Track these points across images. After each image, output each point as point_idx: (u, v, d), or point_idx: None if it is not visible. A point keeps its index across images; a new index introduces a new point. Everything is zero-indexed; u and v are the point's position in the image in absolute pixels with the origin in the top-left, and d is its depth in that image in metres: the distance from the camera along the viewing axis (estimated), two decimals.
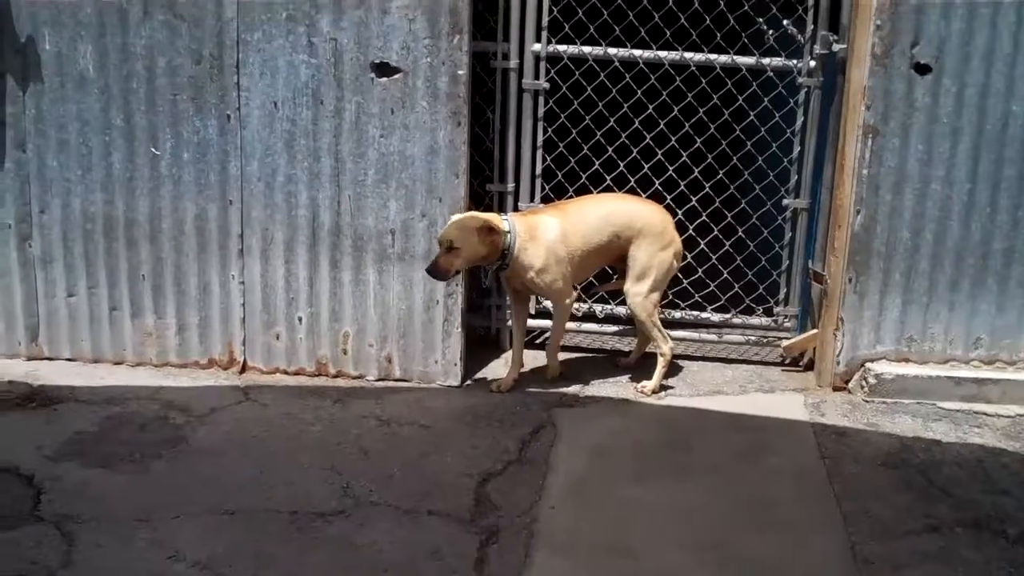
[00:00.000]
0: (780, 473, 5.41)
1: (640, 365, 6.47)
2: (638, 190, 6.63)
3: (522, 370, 6.25)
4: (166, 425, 5.57)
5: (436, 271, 5.66)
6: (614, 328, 6.70)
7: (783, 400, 6.24)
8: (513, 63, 6.23)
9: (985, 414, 6.15)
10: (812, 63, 6.27)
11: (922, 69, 5.86)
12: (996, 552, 4.81)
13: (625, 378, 6.37)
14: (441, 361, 6.12)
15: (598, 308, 6.68)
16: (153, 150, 5.88)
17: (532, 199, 6.43)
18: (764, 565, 4.61)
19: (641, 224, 6.00)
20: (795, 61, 6.32)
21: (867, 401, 6.22)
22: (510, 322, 6.48)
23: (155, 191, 5.94)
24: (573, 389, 6.18)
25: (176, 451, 5.31)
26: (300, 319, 6.09)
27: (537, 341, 6.74)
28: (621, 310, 6.58)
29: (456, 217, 5.71)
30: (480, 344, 6.57)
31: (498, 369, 6.38)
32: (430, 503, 4.91)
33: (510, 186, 6.41)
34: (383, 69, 5.72)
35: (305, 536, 4.61)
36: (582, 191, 6.60)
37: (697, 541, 4.75)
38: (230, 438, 5.46)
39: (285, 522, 4.70)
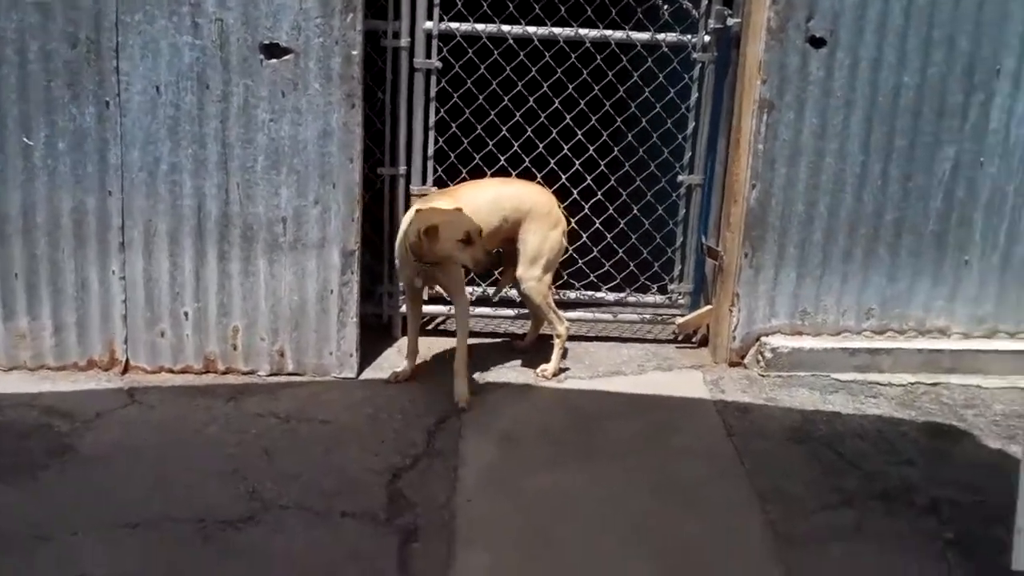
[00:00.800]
0: (690, 453, 5.38)
1: (537, 348, 6.38)
2: (533, 170, 6.52)
3: (419, 359, 6.10)
4: (50, 432, 5.25)
5: None
6: (510, 312, 6.59)
7: (682, 378, 6.22)
8: (404, 42, 6.05)
9: (879, 384, 6.24)
10: (707, 38, 6.23)
11: (817, 43, 5.87)
12: (908, 524, 4.87)
13: (523, 362, 6.28)
14: (336, 353, 5.93)
15: (491, 291, 6.54)
16: (25, 140, 5.52)
17: (424, 181, 6.27)
18: (689, 548, 4.58)
19: (529, 206, 5.89)
20: (690, 36, 6.27)
21: (763, 375, 6.24)
22: (403, 308, 6.33)
23: (28, 183, 5.58)
24: (473, 375, 6.05)
25: (64, 461, 5.02)
26: (186, 314, 5.82)
27: (429, 328, 6.61)
28: (514, 293, 6.46)
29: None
30: (372, 332, 6.38)
31: (393, 358, 6.21)
32: (342, 504, 4.74)
33: (402, 169, 6.23)
34: (273, 50, 5.48)
35: (216, 546, 4.39)
36: (476, 173, 6.47)
37: (619, 526, 4.68)
38: (120, 444, 5.18)
39: (193, 532, 4.48)
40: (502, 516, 4.74)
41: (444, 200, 5.67)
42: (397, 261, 5.76)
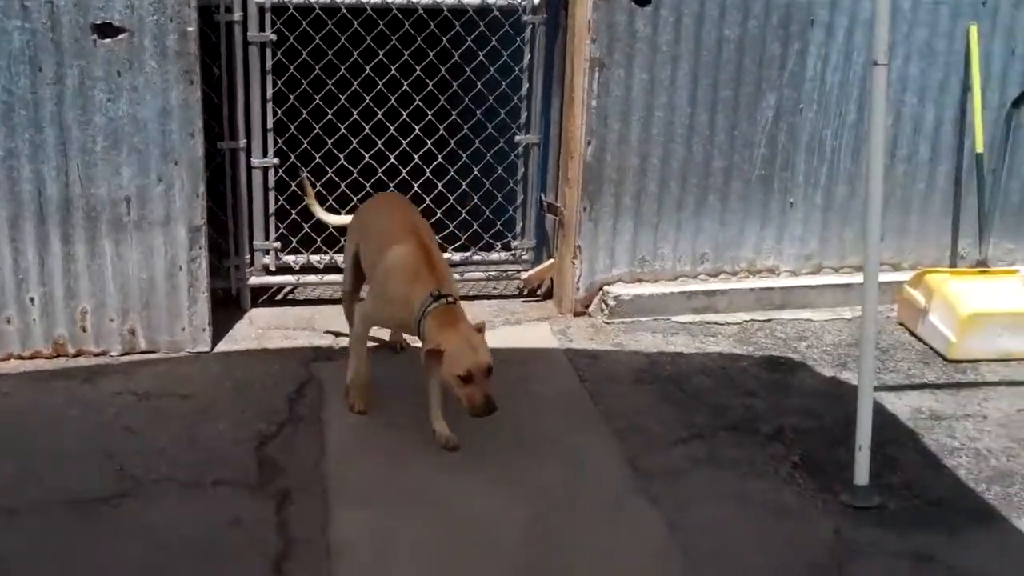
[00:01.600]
0: (546, 401, 5.59)
1: None
2: (373, 137, 6.59)
3: (265, 327, 6.17)
4: None
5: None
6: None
7: (531, 331, 6.42)
8: (237, 15, 6.04)
9: (717, 323, 6.55)
10: (536, 0, 6.39)
11: (642, 1, 6.10)
12: (756, 450, 5.17)
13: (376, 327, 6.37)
14: (189, 328, 5.94)
15: (339, 258, 6.59)
16: None
17: (265, 154, 6.30)
18: (555, 491, 4.78)
19: None
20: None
21: (608, 323, 6.48)
22: (251, 281, 6.38)
23: None
24: (327, 342, 6.14)
25: None
26: (32, 300, 5.74)
27: (278, 298, 6.66)
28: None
29: None
30: (223, 306, 6.39)
31: (245, 331, 6.25)
32: (214, 473, 4.79)
33: (242, 143, 6.24)
34: (106, 30, 5.42)
35: (96, 525, 4.41)
36: (317, 144, 6.53)
37: (489, 477, 4.85)
38: None
39: (70, 512, 4.48)
40: (373, 475, 4.86)
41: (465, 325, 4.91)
42: (383, 308, 5.18)
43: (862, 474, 4.79)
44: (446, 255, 6.67)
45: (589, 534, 4.50)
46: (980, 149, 6.69)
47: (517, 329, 6.42)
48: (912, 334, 6.48)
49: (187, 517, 4.48)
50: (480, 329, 4.88)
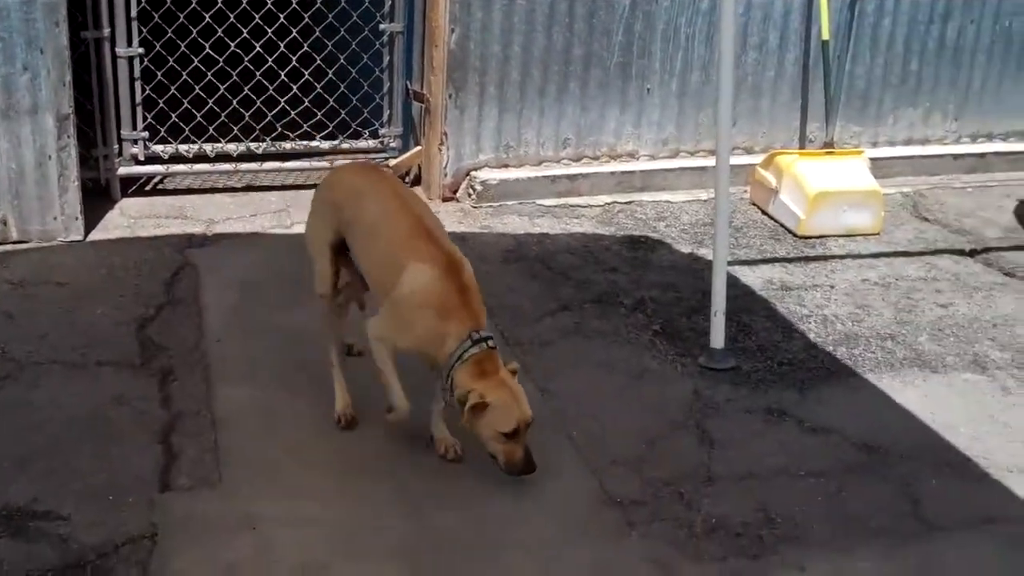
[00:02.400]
0: None
1: (250, 203, 6.60)
2: (239, 26, 6.59)
3: (136, 216, 6.26)
4: None
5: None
6: (228, 167, 6.73)
7: None
8: None
9: (580, 206, 6.80)
10: None
11: None
12: (619, 320, 5.44)
13: (248, 213, 6.47)
14: (61, 217, 5.95)
15: (208, 147, 6.65)
16: None
17: (129, 44, 6.27)
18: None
19: None
20: None
21: (476, 207, 6.68)
22: (120, 171, 6.41)
23: None
24: (199, 229, 6.21)
25: None
26: None
27: (147, 188, 6.69)
28: (231, 147, 6.63)
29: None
30: (93, 196, 6.39)
31: (117, 220, 6.28)
32: (96, 355, 4.89)
33: (106, 31, 6.21)
34: None
35: None
36: (181, 32, 6.53)
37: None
38: None
39: None
40: (252, 352, 5.00)
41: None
42: (406, 339, 4.23)
43: (718, 338, 5.10)
44: (314, 143, 6.80)
45: None
46: (826, 36, 7.00)
47: None
48: (764, 213, 6.81)
49: (72, 397, 4.57)
50: (514, 373, 4.17)
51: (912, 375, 5.11)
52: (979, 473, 4.40)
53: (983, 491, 4.31)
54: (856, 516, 4.12)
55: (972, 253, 6.47)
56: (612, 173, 6.95)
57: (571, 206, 6.78)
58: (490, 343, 4.10)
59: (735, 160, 7.00)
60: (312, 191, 6.54)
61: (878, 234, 6.61)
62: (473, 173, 6.74)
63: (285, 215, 6.41)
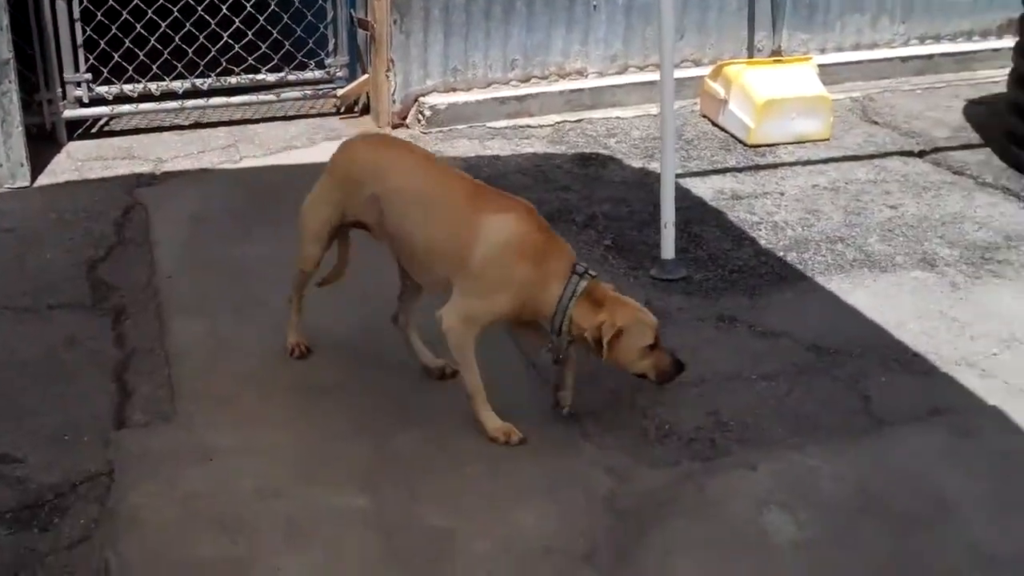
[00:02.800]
0: None
1: (197, 139, 6.56)
2: None
3: (84, 159, 6.24)
4: None
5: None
6: (173, 104, 6.68)
7: None
8: None
9: (530, 126, 6.79)
10: None
11: None
12: (572, 237, 5.40)
13: (196, 150, 6.43)
14: (6, 164, 5.91)
15: (153, 86, 6.60)
16: None
17: None
18: (383, 286, 4.99)
19: None
20: None
21: (426, 133, 6.66)
22: (65, 114, 6.36)
23: None
24: (148, 168, 6.18)
25: None
26: None
27: (93, 131, 6.64)
28: (176, 84, 6.58)
29: None
30: (38, 141, 6.33)
31: (64, 164, 6.23)
32: (47, 298, 4.88)
33: None
34: None
35: None
36: None
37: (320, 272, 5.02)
38: None
39: None
40: (204, 287, 5.01)
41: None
42: (502, 303, 3.92)
43: (668, 249, 5.13)
44: (260, 75, 6.75)
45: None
46: None
47: (336, 144, 6.47)
48: (715, 124, 6.82)
49: (23, 341, 4.57)
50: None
51: (862, 276, 5.16)
52: (927, 367, 4.47)
53: (931, 385, 4.39)
54: (807, 415, 4.19)
55: (921, 154, 6.51)
56: (561, 92, 6.94)
57: (521, 127, 6.77)
58: (592, 273, 3.95)
59: (685, 73, 7.13)
60: (263, 125, 6.76)
61: (828, 139, 6.63)
62: (422, 99, 6.72)
63: (233, 150, 6.39)
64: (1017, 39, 6.52)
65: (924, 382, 4.39)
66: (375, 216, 4.11)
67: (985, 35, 7.91)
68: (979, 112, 7.04)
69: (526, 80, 6.95)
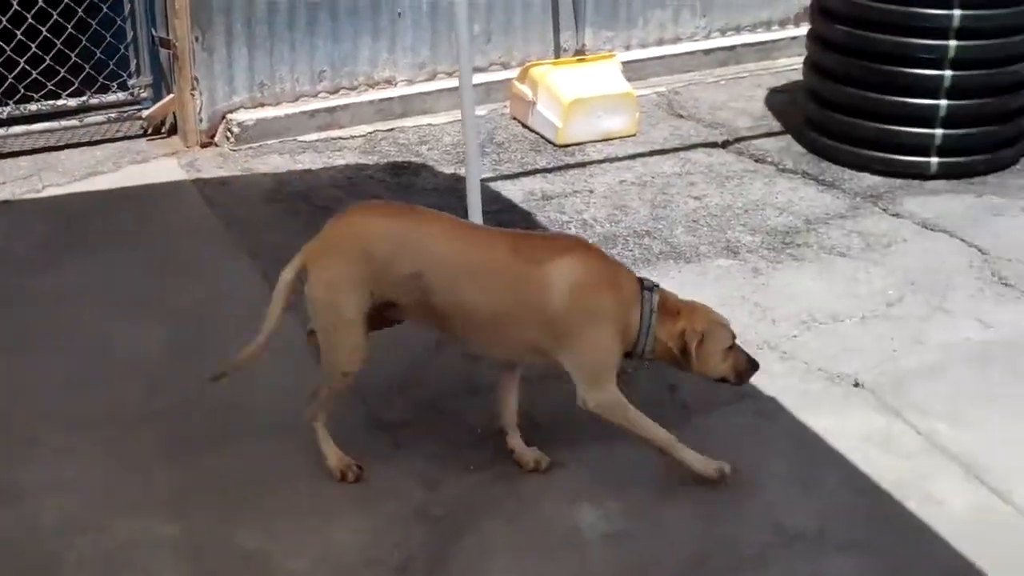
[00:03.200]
0: (179, 230, 5.72)
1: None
2: None
3: None
4: None
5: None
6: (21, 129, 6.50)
7: (159, 167, 6.43)
8: None
9: (342, 138, 6.77)
10: None
11: None
12: None
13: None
14: None
15: None
16: None
17: None
18: (194, 309, 4.98)
19: None
20: None
21: (235, 150, 6.59)
22: None
23: None
24: None
25: None
26: None
27: None
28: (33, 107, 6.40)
29: None
30: None
31: None
32: None
33: None
34: None
35: None
36: None
37: (127, 305, 4.99)
38: None
39: None
40: (5, 321, 4.89)
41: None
42: (613, 350, 3.81)
43: None
44: (61, 101, 6.59)
45: (228, 344, 4.69)
46: None
47: (144, 167, 6.41)
48: (525, 126, 6.89)
49: None
50: None
51: (668, 267, 5.29)
52: None
53: None
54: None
55: (725, 144, 6.69)
56: (371, 102, 6.93)
57: (333, 139, 6.74)
58: (655, 283, 3.87)
59: (494, 76, 7.22)
60: (66, 152, 6.57)
61: (635, 135, 6.76)
62: (229, 116, 6.64)
63: (36, 179, 6.20)
64: (809, 27, 6.76)
65: None
66: (415, 295, 3.75)
67: (784, 24, 8.15)
68: (780, 100, 7.26)
69: (335, 91, 6.93)
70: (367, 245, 3.76)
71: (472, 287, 3.73)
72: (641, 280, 3.85)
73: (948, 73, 6.10)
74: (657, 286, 3.85)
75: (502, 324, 3.76)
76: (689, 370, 3.86)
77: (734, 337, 3.90)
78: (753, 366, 3.94)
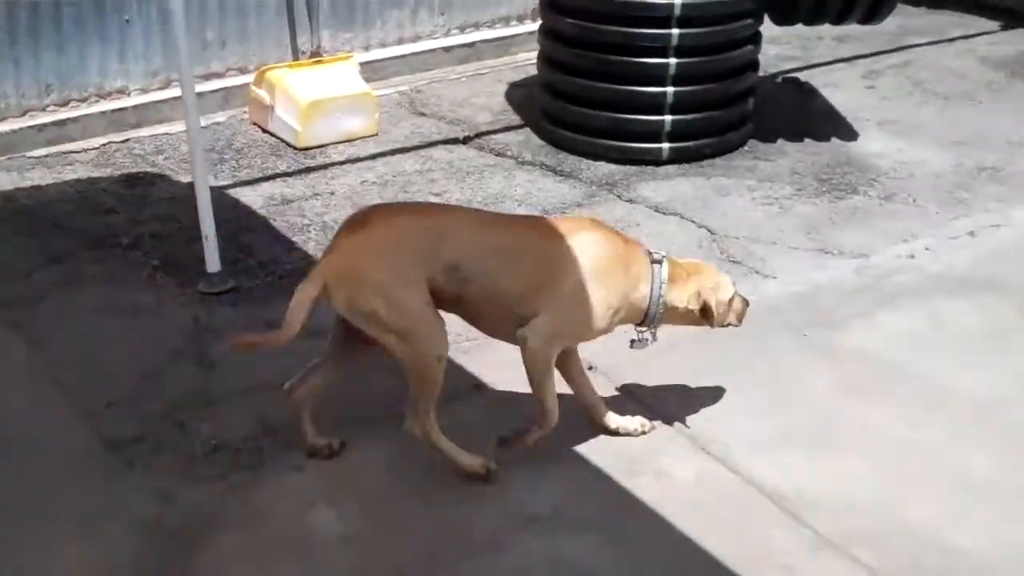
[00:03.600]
0: None
1: None
2: None
3: None
4: None
5: None
6: None
7: None
8: None
9: (74, 151, 6.56)
10: None
11: None
12: (116, 261, 5.36)
13: None
14: None
15: None
16: None
17: None
18: None
19: None
20: None
21: None
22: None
23: None
24: None
25: None
26: None
27: None
28: None
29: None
30: None
31: None
32: None
33: None
34: None
35: None
36: None
37: None
38: None
39: None
40: None
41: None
42: (600, 316, 3.91)
43: (213, 262, 5.10)
44: None
45: None
46: None
47: None
48: (265, 131, 6.80)
49: None
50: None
51: None
52: (468, 347, 4.62)
53: (473, 361, 4.56)
54: (355, 411, 4.26)
55: (465, 140, 6.76)
56: (103, 113, 6.74)
57: (64, 153, 6.51)
58: (663, 253, 4.04)
59: (232, 81, 7.14)
60: None
61: (376, 135, 6.76)
62: None
63: None
64: (540, 21, 6.88)
65: (466, 360, 4.56)
66: (455, 286, 3.76)
67: (522, 19, 8.28)
68: (519, 94, 7.38)
69: (65, 104, 6.71)
70: (410, 243, 3.74)
71: (498, 269, 3.80)
72: (650, 253, 4.01)
73: (673, 61, 6.30)
74: (666, 257, 4.02)
75: (524, 300, 3.82)
76: (709, 325, 4.06)
77: (734, 284, 4.15)
78: (746, 303, 4.20)
